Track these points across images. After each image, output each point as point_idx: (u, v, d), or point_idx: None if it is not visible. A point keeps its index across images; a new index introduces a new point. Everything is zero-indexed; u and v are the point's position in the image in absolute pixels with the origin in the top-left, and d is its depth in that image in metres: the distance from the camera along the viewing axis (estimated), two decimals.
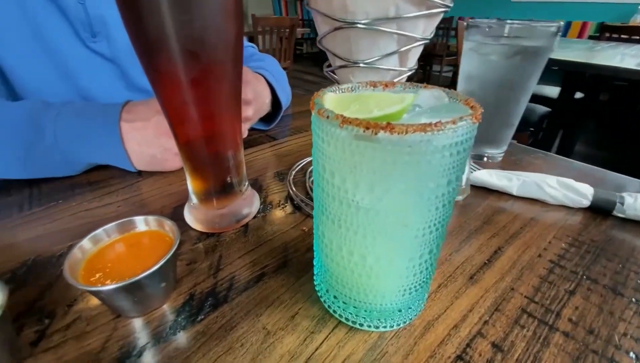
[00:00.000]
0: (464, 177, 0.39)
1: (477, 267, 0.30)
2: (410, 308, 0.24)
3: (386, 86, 0.23)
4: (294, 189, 0.41)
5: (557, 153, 2.47)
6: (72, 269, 0.23)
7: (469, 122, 0.16)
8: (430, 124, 0.15)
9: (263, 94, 0.56)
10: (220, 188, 0.34)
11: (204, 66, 0.26)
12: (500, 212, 0.38)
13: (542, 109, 2.02)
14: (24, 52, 0.52)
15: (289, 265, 0.30)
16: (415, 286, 0.22)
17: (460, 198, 0.40)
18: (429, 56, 4.35)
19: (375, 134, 0.15)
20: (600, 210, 0.37)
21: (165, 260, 0.23)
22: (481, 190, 0.42)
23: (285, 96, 0.65)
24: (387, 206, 0.18)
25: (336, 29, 0.29)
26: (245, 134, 0.52)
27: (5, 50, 0.50)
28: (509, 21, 0.43)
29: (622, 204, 0.36)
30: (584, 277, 0.29)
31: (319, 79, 4.72)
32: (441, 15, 0.30)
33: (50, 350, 0.22)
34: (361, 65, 0.31)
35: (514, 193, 0.40)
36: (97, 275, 0.24)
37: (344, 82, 0.34)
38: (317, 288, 0.26)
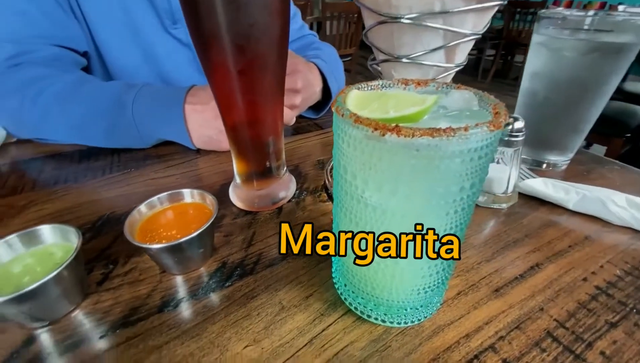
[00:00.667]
0: (511, 184, 0.36)
1: (506, 280, 0.28)
2: (418, 308, 0.24)
3: (418, 84, 0.23)
4: (330, 179, 0.42)
5: None
6: (131, 227, 0.28)
7: (484, 130, 0.16)
8: (438, 130, 0.15)
9: (314, 83, 0.57)
10: (260, 172, 0.37)
11: (249, 58, 0.28)
12: (549, 226, 0.35)
13: None
14: (118, 39, 0.60)
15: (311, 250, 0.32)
16: (425, 288, 0.22)
17: (504, 205, 0.37)
18: (511, 45, 3.95)
19: (383, 135, 0.16)
20: None
21: (202, 230, 0.27)
22: (532, 200, 0.38)
23: (337, 86, 0.65)
24: (394, 206, 0.19)
25: (380, 23, 0.29)
26: (292, 121, 0.54)
27: (105, 36, 0.59)
28: (590, 12, 0.38)
29: None
30: (634, 311, 0.26)
31: None
32: (495, 9, 0.27)
33: (110, 290, 0.28)
34: (404, 60, 0.30)
35: (570, 207, 0.36)
36: (149, 235, 0.28)
37: (387, 76, 0.34)
38: (333, 275, 0.28)
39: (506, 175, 0.36)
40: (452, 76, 0.33)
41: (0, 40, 0.50)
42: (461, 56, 0.31)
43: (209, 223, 0.28)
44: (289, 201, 0.39)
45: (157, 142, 0.51)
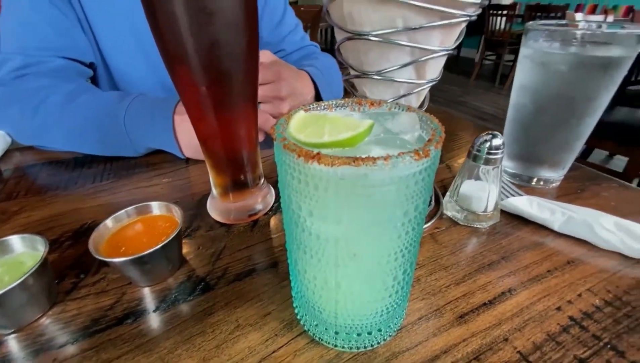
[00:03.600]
0: (491, 202, 0.35)
1: (473, 306, 0.27)
2: (371, 333, 0.23)
3: (372, 104, 0.23)
4: None
5: None
6: (98, 241, 0.29)
7: (407, 160, 0.15)
8: (358, 159, 0.15)
9: (303, 90, 0.57)
10: (235, 184, 0.37)
11: (214, 76, 0.28)
12: (529, 248, 0.33)
13: None
14: (124, 49, 0.62)
15: (278, 266, 0.31)
16: (374, 313, 0.22)
17: (484, 224, 0.36)
18: (498, 44, 3.93)
19: (307, 162, 0.16)
20: None
21: (164, 243, 0.27)
22: (517, 219, 0.37)
23: (332, 95, 0.65)
24: (341, 234, 0.18)
25: (347, 39, 0.29)
26: None
27: (111, 47, 0.61)
28: (581, 24, 0.36)
29: None
30: (608, 346, 0.24)
31: None
32: (462, 25, 0.27)
33: (76, 300, 0.28)
34: (374, 77, 0.30)
35: (556, 228, 0.34)
36: (117, 248, 0.29)
37: (360, 92, 0.33)
38: (292, 292, 0.27)
39: (485, 193, 0.34)
40: (426, 91, 0.32)
41: (9, 52, 0.53)
42: (434, 71, 0.30)
43: (171, 237, 0.28)
44: (266, 213, 0.39)
45: (148, 151, 0.53)
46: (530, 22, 0.37)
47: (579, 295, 0.28)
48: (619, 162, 2.02)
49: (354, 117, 0.21)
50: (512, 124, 0.42)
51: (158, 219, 0.32)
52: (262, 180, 0.40)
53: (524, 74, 0.39)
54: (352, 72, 0.32)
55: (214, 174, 0.37)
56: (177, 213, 0.31)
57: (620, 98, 2.00)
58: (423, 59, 0.28)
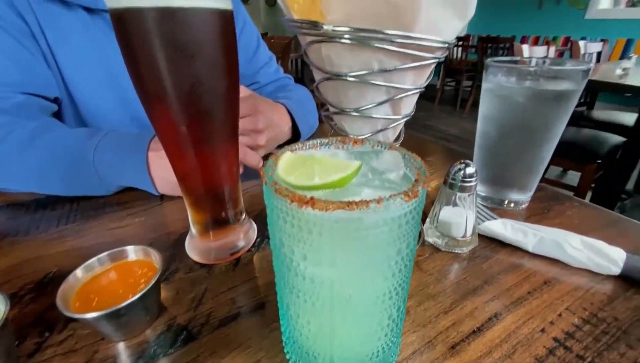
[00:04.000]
0: (469, 227, 0.36)
1: (463, 335, 0.27)
2: None
3: (355, 143, 0.23)
4: None
5: (636, 189, 2.15)
6: (67, 293, 0.26)
7: (398, 202, 0.15)
8: (352, 203, 0.15)
9: (279, 122, 0.58)
10: (216, 222, 0.36)
11: (194, 115, 0.28)
12: (509, 271, 0.34)
13: (614, 139, 1.80)
14: (92, 84, 0.61)
15: (266, 307, 0.30)
16: (374, 353, 0.21)
17: (464, 249, 0.37)
18: (456, 72, 4.29)
19: (300, 207, 0.16)
20: (633, 281, 0.32)
21: (142, 293, 0.25)
22: (494, 242, 0.38)
23: (307, 125, 0.66)
24: (328, 277, 0.18)
25: (326, 79, 0.30)
26: (259, 163, 0.54)
27: (78, 81, 0.59)
28: (533, 61, 0.40)
29: None
30: None
31: None
32: (432, 66, 0.29)
33: None
34: (352, 113, 0.31)
35: (530, 249, 0.36)
36: (89, 301, 0.27)
37: (340, 127, 0.34)
38: (283, 337, 0.26)
39: (463, 219, 0.36)
40: (401, 125, 0.34)
41: None
42: (408, 107, 0.32)
43: (150, 285, 0.26)
44: (248, 250, 0.38)
45: (119, 189, 0.50)
46: (489, 60, 0.41)
47: (559, 315, 0.29)
48: (573, 177, 2.18)
49: (340, 157, 0.22)
50: (481, 151, 0.45)
51: (134, 265, 0.30)
52: (244, 215, 0.39)
53: (487, 105, 0.42)
54: (332, 109, 0.33)
55: (193, 212, 0.35)
56: (155, 257, 0.29)
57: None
58: (398, 97, 0.29)
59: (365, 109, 0.30)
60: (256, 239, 0.39)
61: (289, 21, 0.28)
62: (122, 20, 0.24)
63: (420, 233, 0.40)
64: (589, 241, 0.34)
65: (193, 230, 0.37)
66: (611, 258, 0.33)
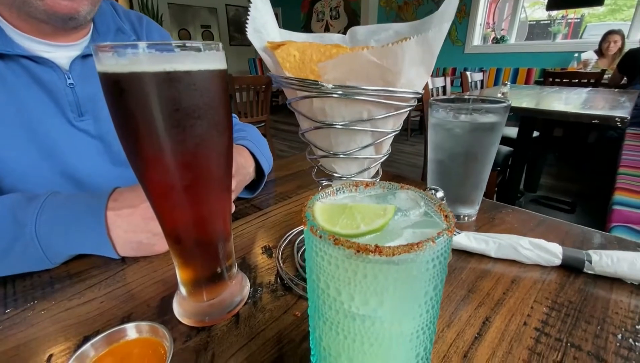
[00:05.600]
0: None
1: (469, 343, 0.31)
2: None
3: (367, 186, 0.26)
4: (282, 267, 0.41)
5: (525, 188, 2.60)
6: None
7: (445, 238, 0.18)
8: (413, 245, 0.17)
9: (245, 165, 0.58)
10: (210, 279, 0.34)
11: (196, 172, 0.27)
12: (482, 277, 0.40)
13: (505, 149, 2.18)
14: (9, 139, 0.52)
15: (284, 359, 0.30)
16: None
17: None
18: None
19: (366, 255, 0.17)
20: (571, 268, 0.40)
21: None
22: (463, 254, 0.44)
23: (267, 163, 0.67)
24: (382, 316, 0.19)
25: (316, 128, 0.32)
26: (232, 207, 0.53)
27: None
28: (468, 100, 0.49)
29: (590, 262, 0.39)
30: (569, 344, 0.30)
31: (295, 128, 4.91)
32: (407, 112, 0.33)
33: None
34: (341, 156, 0.33)
35: (493, 255, 0.42)
36: None
37: (326, 166, 0.37)
38: None
39: None
40: (381, 161, 0.38)
41: None
42: (386, 147, 0.36)
43: None
44: (245, 303, 0.36)
45: (67, 259, 0.43)
46: (431, 99, 0.49)
47: (532, 308, 0.35)
48: None
49: (366, 202, 0.24)
50: (433, 175, 0.52)
51: (134, 346, 0.26)
52: (235, 267, 0.37)
53: (434, 137, 0.50)
54: (320, 153, 0.35)
55: (185, 271, 0.33)
56: (161, 333, 0.26)
57: None
58: (381, 139, 0.33)
59: (353, 152, 0.33)
60: (250, 289, 0.38)
61: (280, 77, 0.30)
62: (119, 85, 0.23)
63: None
64: (534, 241, 0.42)
65: (182, 290, 0.34)
66: (552, 252, 0.40)
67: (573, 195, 2.71)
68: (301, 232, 0.49)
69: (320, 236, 0.18)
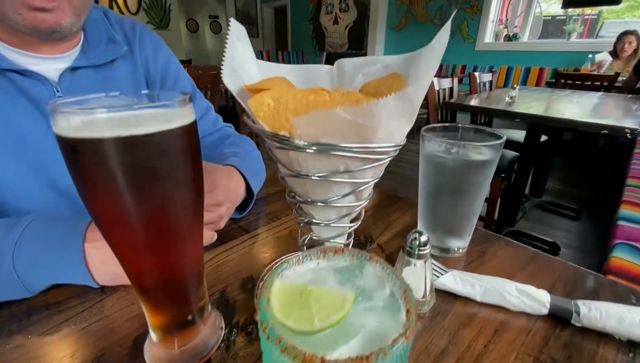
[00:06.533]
0: (427, 288, 0.40)
1: None
2: None
3: (336, 252, 0.25)
4: None
5: (530, 192, 2.55)
6: None
7: (401, 346, 0.17)
8: (362, 359, 0.16)
9: (237, 187, 0.57)
10: (181, 325, 0.33)
11: (163, 229, 0.26)
12: (465, 324, 0.38)
13: (510, 154, 2.14)
14: None
15: None
16: None
17: (426, 308, 0.40)
18: None
19: None
20: (558, 318, 0.39)
21: None
22: (449, 296, 0.43)
23: (259, 182, 0.66)
24: None
25: (292, 176, 0.31)
26: (214, 238, 0.51)
27: None
28: (461, 128, 0.47)
29: (578, 314, 0.37)
30: None
31: None
32: (388, 161, 0.32)
33: None
34: (319, 204, 0.32)
35: (478, 299, 0.41)
36: None
37: (308, 214, 0.35)
38: None
39: (422, 282, 0.39)
40: (362, 206, 0.36)
41: None
42: (367, 193, 0.35)
43: None
44: (218, 347, 0.36)
45: (46, 287, 0.43)
46: (423, 130, 0.47)
47: None
48: None
49: (330, 281, 0.23)
50: (424, 205, 0.50)
51: None
52: (209, 308, 0.37)
53: (425, 168, 0.48)
54: (299, 198, 0.34)
55: (154, 318, 0.32)
56: None
57: None
58: (360, 189, 0.32)
59: (331, 201, 0.32)
60: (224, 330, 0.37)
61: (254, 126, 0.29)
62: (74, 149, 0.22)
63: None
64: (521, 287, 0.40)
65: (153, 336, 0.33)
66: (540, 300, 0.39)
67: (580, 201, 2.66)
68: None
69: (268, 337, 0.17)
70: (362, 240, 0.55)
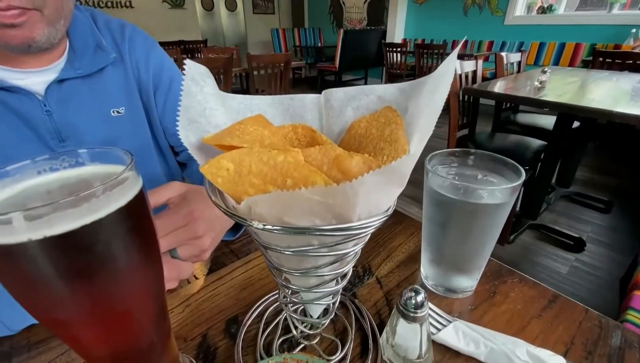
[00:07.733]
0: (424, 349, 0.35)
1: None
2: None
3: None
4: (242, 358, 0.38)
5: (557, 182, 2.39)
6: None
7: None
8: None
9: (221, 215, 0.53)
10: None
11: (110, 316, 0.23)
12: None
13: (536, 143, 2.00)
14: None
15: None
16: None
17: None
18: (396, 75, 4.53)
19: None
20: None
21: None
22: (449, 352, 0.38)
23: None
24: None
25: (264, 247, 0.27)
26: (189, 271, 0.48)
27: None
28: (470, 166, 0.41)
29: None
30: None
31: None
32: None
33: None
34: (295, 274, 0.28)
35: (482, 360, 0.37)
36: None
37: (286, 281, 0.31)
38: None
39: (418, 341, 0.35)
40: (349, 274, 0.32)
41: None
42: (352, 261, 0.30)
43: None
44: None
45: (27, 325, 0.42)
46: (428, 158, 0.41)
47: None
48: None
49: None
50: (428, 238, 0.45)
51: None
52: (179, 358, 0.34)
53: (428, 204, 0.42)
54: (275, 262, 0.30)
55: None
56: None
57: (496, 125, 2.42)
58: (342, 258, 0.27)
59: (309, 270, 0.28)
60: None
61: (210, 197, 0.25)
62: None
63: (377, 348, 0.39)
64: (533, 351, 0.35)
65: None
66: None
67: (611, 191, 2.48)
68: (275, 301, 0.45)
69: None
70: (359, 272, 0.51)
